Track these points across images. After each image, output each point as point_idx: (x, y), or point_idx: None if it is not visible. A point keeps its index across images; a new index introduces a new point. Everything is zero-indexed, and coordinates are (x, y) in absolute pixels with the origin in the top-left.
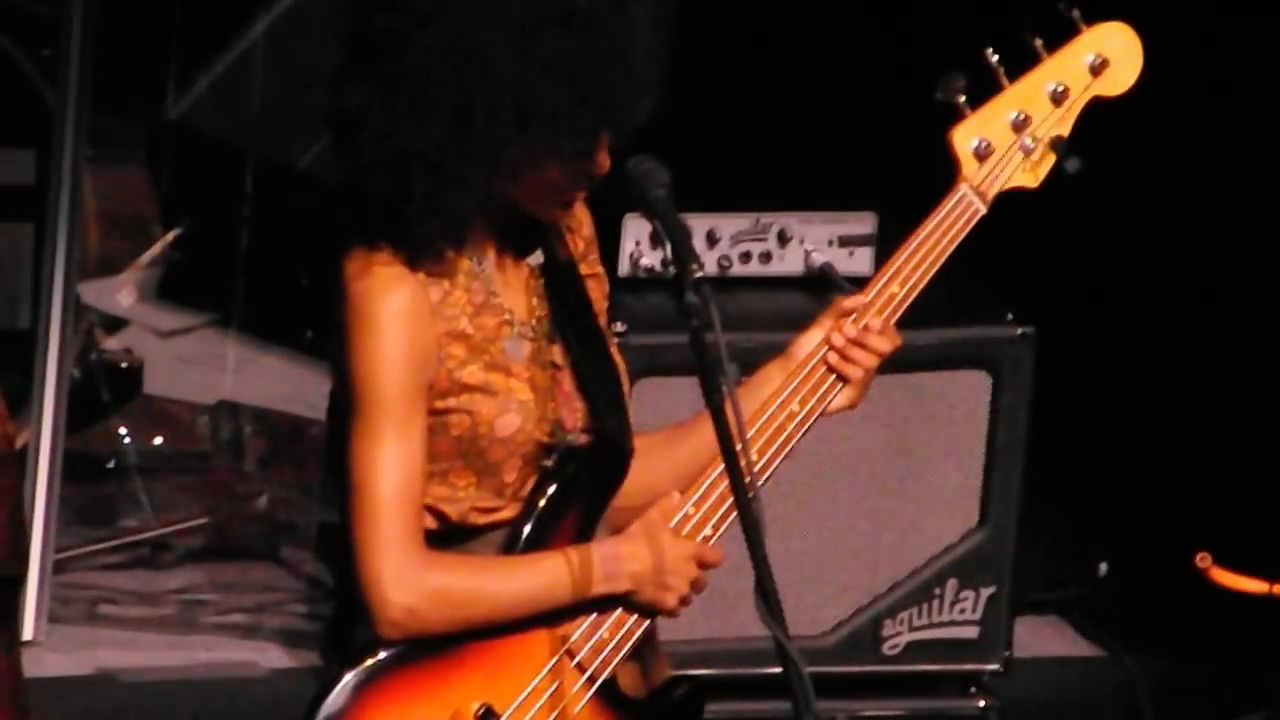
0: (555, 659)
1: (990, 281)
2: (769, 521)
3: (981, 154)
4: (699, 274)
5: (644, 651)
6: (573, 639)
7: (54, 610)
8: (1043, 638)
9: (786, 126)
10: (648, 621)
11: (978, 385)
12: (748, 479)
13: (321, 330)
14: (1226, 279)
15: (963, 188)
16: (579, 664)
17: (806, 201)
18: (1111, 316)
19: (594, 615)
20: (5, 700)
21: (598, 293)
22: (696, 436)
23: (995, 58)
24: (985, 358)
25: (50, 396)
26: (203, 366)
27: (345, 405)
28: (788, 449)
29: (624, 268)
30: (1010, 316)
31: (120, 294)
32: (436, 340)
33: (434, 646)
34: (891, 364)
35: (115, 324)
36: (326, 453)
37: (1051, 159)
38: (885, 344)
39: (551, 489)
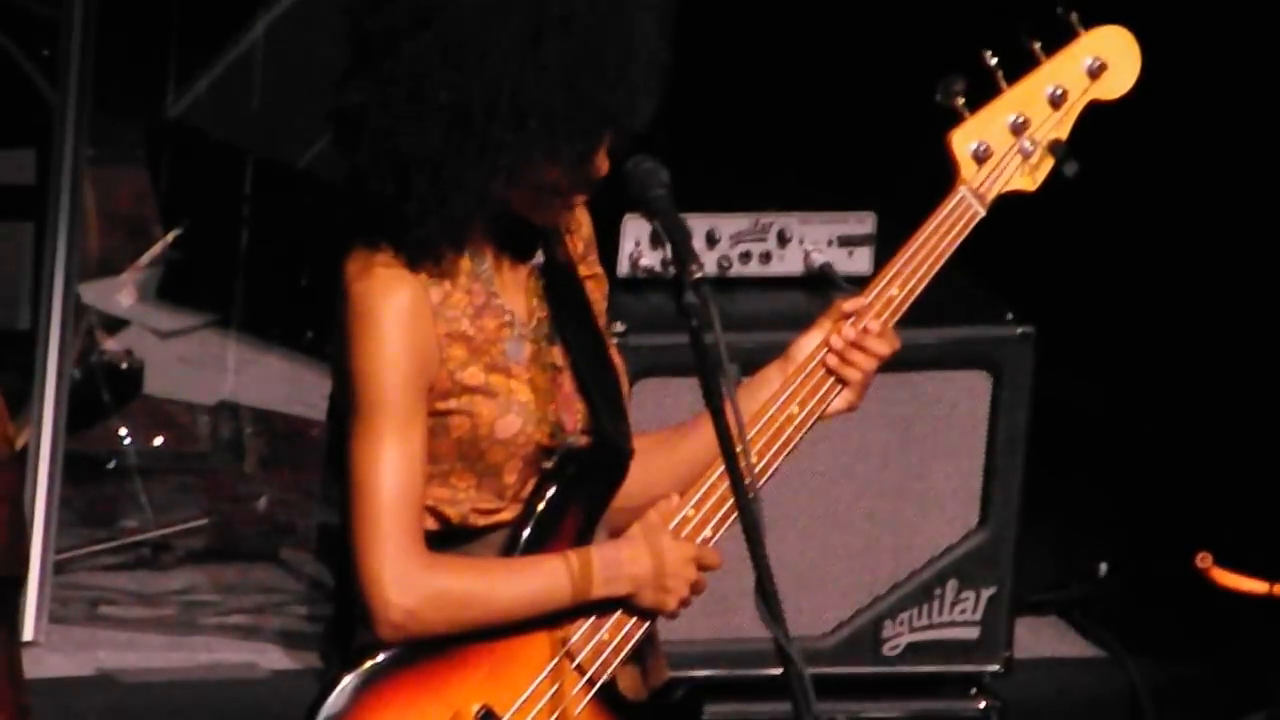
0: (555, 661)
1: (990, 281)
2: (769, 522)
3: (980, 157)
4: (699, 274)
5: (643, 653)
6: (572, 641)
7: (54, 611)
8: (1043, 638)
9: (786, 127)
10: (647, 623)
11: (978, 385)
12: (747, 480)
13: (322, 331)
14: (1227, 279)
15: (961, 190)
16: (579, 666)
17: (806, 202)
18: (1111, 316)
19: (594, 617)
20: (5, 701)
21: (597, 294)
22: (696, 437)
23: (994, 60)
24: (985, 358)
25: (50, 397)
26: (203, 367)
27: (345, 406)
28: (787, 451)
29: (623, 268)
30: (1010, 316)
31: (120, 294)
32: (437, 341)
33: (434, 648)
34: (891, 364)
35: (115, 324)
36: (327, 454)
37: (1050, 162)
38: (884, 346)
39: (551, 491)
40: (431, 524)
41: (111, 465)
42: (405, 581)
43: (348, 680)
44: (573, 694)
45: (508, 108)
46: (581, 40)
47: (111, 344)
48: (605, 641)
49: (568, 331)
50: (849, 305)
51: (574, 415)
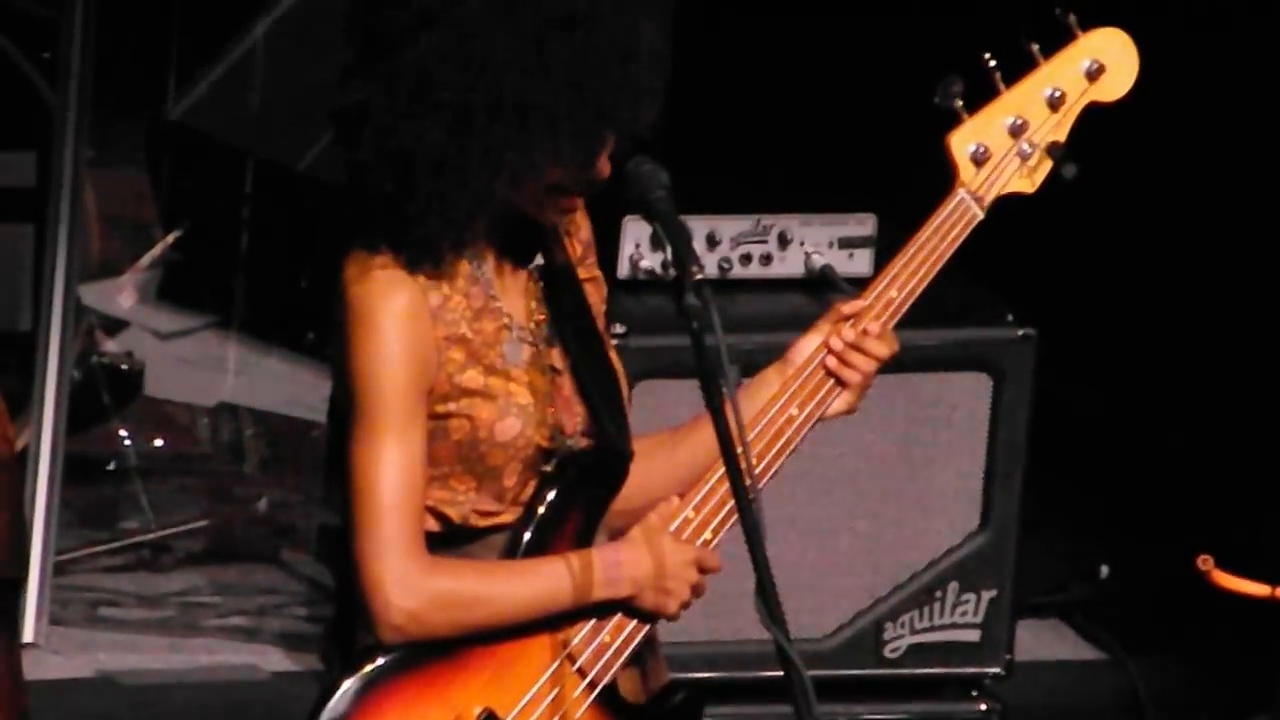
0: (556, 663)
1: (991, 283)
2: (769, 524)
3: (979, 159)
4: (699, 276)
5: (643, 656)
6: (573, 643)
7: (54, 612)
8: (1044, 641)
9: (786, 129)
10: (648, 626)
11: (978, 387)
12: (748, 481)
13: (322, 332)
14: (1227, 280)
15: (960, 193)
16: (580, 669)
17: (806, 204)
18: (1112, 318)
19: (595, 620)
20: (5, 703)
21: (596, 296)
22: (695, 439)
23: (992, 63)
24: (986, 359)
25: (51, 398)
26: (203, 368)
27: (345, 408)
28: (787, 453)
29: (624, 270)
30: (1011, 318)
31: (121, 296)
32: (436, 344)
33: (436, 651)
34: (892, 366)
35: (116, 326)
36: (327, 455)
37: (1049, 165)
38: (883, 348)
39: (552, 493)
40: (433, 525)
41: (112, 467)
42: (406, 584)
43: (349, 683)
44: (574, 696)
45: (511, 108)
46: (584, 42)
47: (112, 345)
48: (606, 644)
49: (567, 334)
50: (848, 307)
51: (573, 418)
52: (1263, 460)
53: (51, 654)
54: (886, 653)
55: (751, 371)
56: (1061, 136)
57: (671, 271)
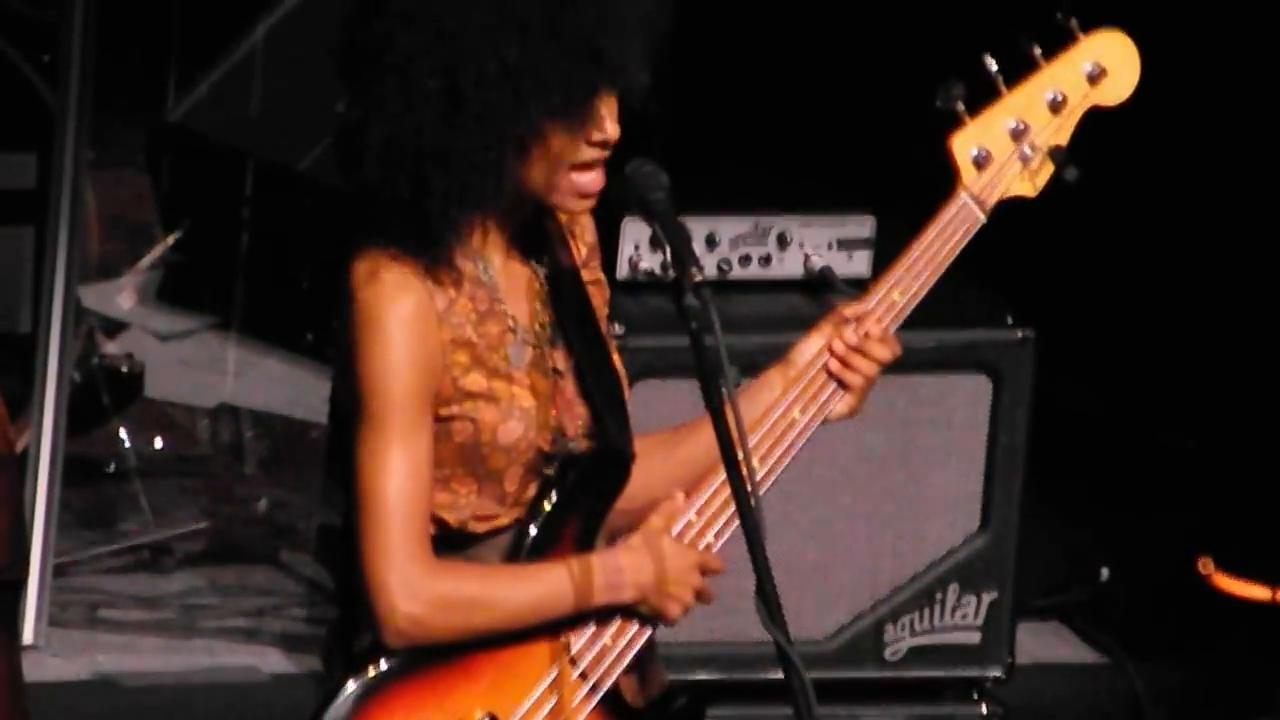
0: (558, 668)
1: (990, 285)
2: (770, 525)
3: (980, 162)
4: (698, 277)
5: (642, 660)
6: (575, 648)
7: (54, 614)
8: (1045, 643)
9: (785, 130)
10: (650, 630)
11: (978, 389)
12: (748, 483)
13: (322, 333)
14: (1227, 282)
15: (962, 196)
16: (582, 673)
17: (805, 205)
18: (1112, 320)
19: (597, 624)
20: (5, 705)
21: (599, 299)
22: (696, 440)
23: (994, 65)
24: (985, 361)
25: (51, 400)
26: (203, 370)
27: (351, 411)
28: (789, 457)
29: (623, 271)
30: (1010, 320)
31: (121, 297)
32: (442, 348)
33: (438, 655)
34: (892, 367)
35: (116, 327)
36: (327, 456)
37: (1050, 168)
38: (885, 352)
39: (554, 495)
40: (431, 528)
41: (111, 468)
42: (411, 587)
43: (351, 687)
44: (576, 701)
45: (496, 74)
46: None
47: (112, 347)
48: (608, 648)
49: (570, 336)
50: (850, 310)
51: (575, 420)
52: (1263, 462)
53: (51, 656)
54: (887, 655)
55: (751, 372)
56: (1063, 140)
57: (671, 272)
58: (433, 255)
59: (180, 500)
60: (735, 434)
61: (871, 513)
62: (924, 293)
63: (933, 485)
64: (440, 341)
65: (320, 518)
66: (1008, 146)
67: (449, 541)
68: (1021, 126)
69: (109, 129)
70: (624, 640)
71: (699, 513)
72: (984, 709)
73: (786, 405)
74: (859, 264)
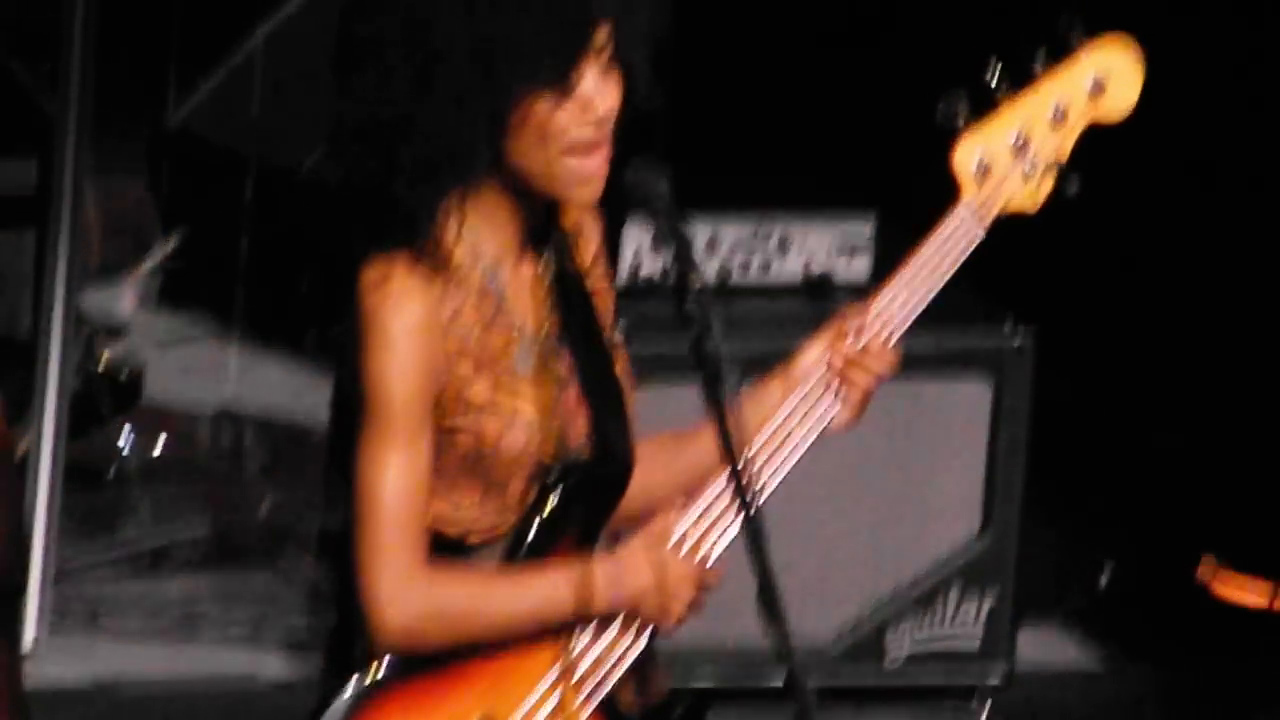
0: (555, 674)
1: (990, 287)
2: (770, 529)
3: (981, 175)
4: (699, 282)
5: (643, 666)
6: (572, 654)
7: (54, 620)
8: (1045, 647)
9: (786, 132)
10: (645, 640)
11: (978, 391)
12: (748, 485)
13: (323, 337)
14: (1227, 284)
15: (962, 210)
16: (579, 680)
17: (805, 207)
18: (1112, 323)
19: (594, 631)
20: (5, 711)
21: (605, 305)
22: (698, 445)
23: (995, 77)
24: (985, 364)
25: (51, 405)
26: (203, 374)
27: (354, 413)
28: (787, 467)
29: (623, 274)
30: (1010, 323)
31: (121, 302)
32: (446, 357)
33: (435, 660)
34: None
35: (116, 332)
36: (327, 461)
37: (1050, 182)
38: (884, 363)
39: (554, 498)
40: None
41: (112, 473)
42: (405, 595)
43: (347, 691)
44: (573, 707)
45: (465, 45)
46: None
47: (112, 351)
48: (605, 654)
49: (575, 343)
50: (849, 323)
51: (578, 427)
52: (1263, 465)
53: (51, 662)
54: (888, 659)
55: (751, 376)
56: (1064, 154)
57: (672, 277)
58: (413, 243)
59: (181, 505)
60: (736, 437)
61: (872, 516)
62: (923, 305)
63: (933, 488)
64: (444, 351)
65: (321, 522)
66: (1009, 160)
67: (447, 550)
68: (1023, 140)
69: (109, 134)
70: (621, 647)
71: (696, 522)
72: (984, 713)
73: (785, 415)
74: (859, 268)
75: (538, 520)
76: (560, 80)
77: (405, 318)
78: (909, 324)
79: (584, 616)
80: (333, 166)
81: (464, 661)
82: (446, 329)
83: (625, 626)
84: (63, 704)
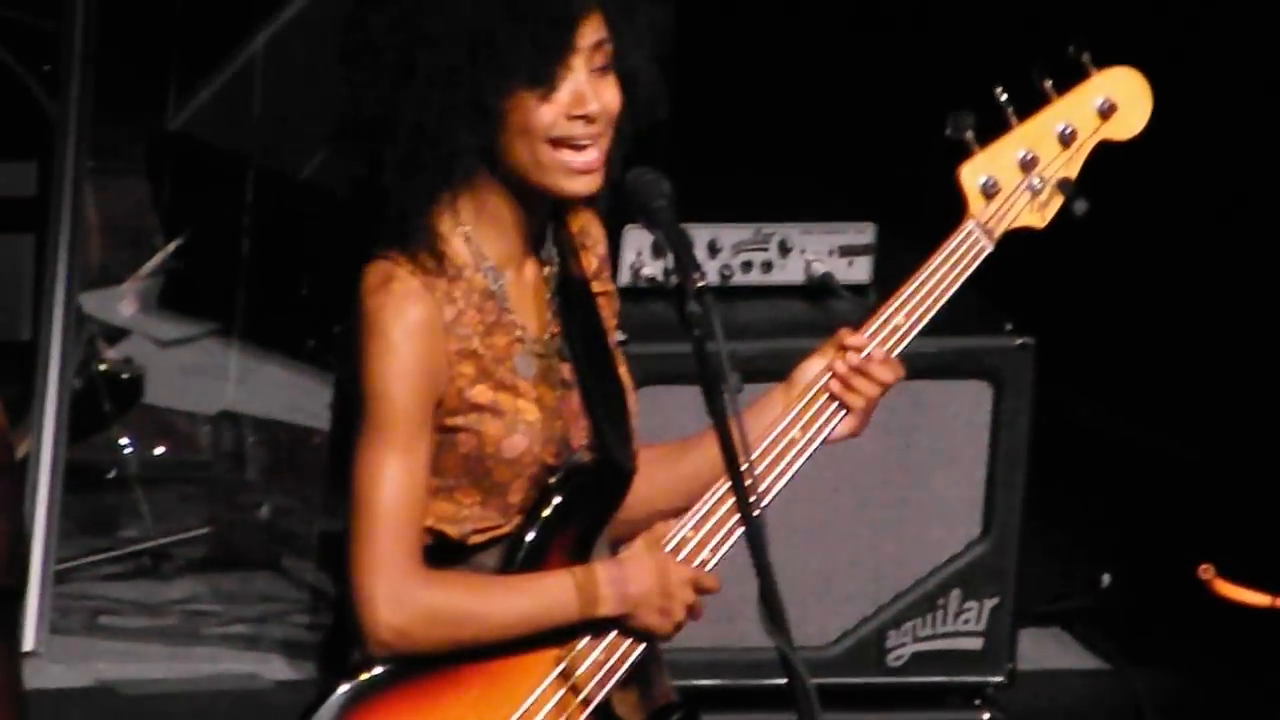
0: (550, 680)
1: (989, 291)
2: (771, 531)
3: (989, 192)
4: (701, 283)
5: (646, 674)
6: (568, 660)
7: (55, 621)
8: (1046, 650)
9: (787, 138)
10: (643, 645)
11: (978, 395)
12: (749, 488)
13: (323, 340)
14: (1227, 288)
15: (970, 224)
16: (574, 686)
17: (807, 212)
18: (1112, 326)
19: (590, 636)
20: (6, 712)
21: (608, 310)
22: (700, 453)
23: (1004, 97)
24: (985, 368)
25: (51, 407)
26: (204, 376)
27: (354, 415)
28: (789, 475)
29: (625, 278)
30: (1009, 327)
31: (122, 304)
32: (448, 358)
33: (429, 665)
34: None
35: (117, 334)
36: (328, 462)
37: (1059, 200)
38: (887, 374)
39: (556, 500)
40: (428, 540)
41: (112, 474)
42: (397, 598)
43: (341, 692)
44: (566, 714)
45: (449, 41)
46: None
47: (111, 353)
48: (601, 661)
49: (578, 348)
50: (853, 336)
51: (580, 431)
52: (1264, 468)
53: (52, 663)
54: (889, 661)
55: (752, 378)
56: (1073, 173)
57: (673, 279)
58: (406, 242)
59: (181, 506)
60: (738, 440)
61: (873, 519)
62: (928, 318)
63: (934, 491)
64: (446, 352)
65: (322, 524)
66: (1016, 177)
67: (447, 552)
68: (1031, 157)
69: (110, 137)
70: (617, 654)
71: (695, 528)
72: (986, 716)
73: (787, 424)
74: (859, 270)
75: (538, 523)
76: (542, 77)
77: (406, 320)
78: (913, 336)
79: (584, 620)
80: (333, 165)
81: (457, 667)
82: (448, 330)
83: (621, 633)
84: (63, 705)
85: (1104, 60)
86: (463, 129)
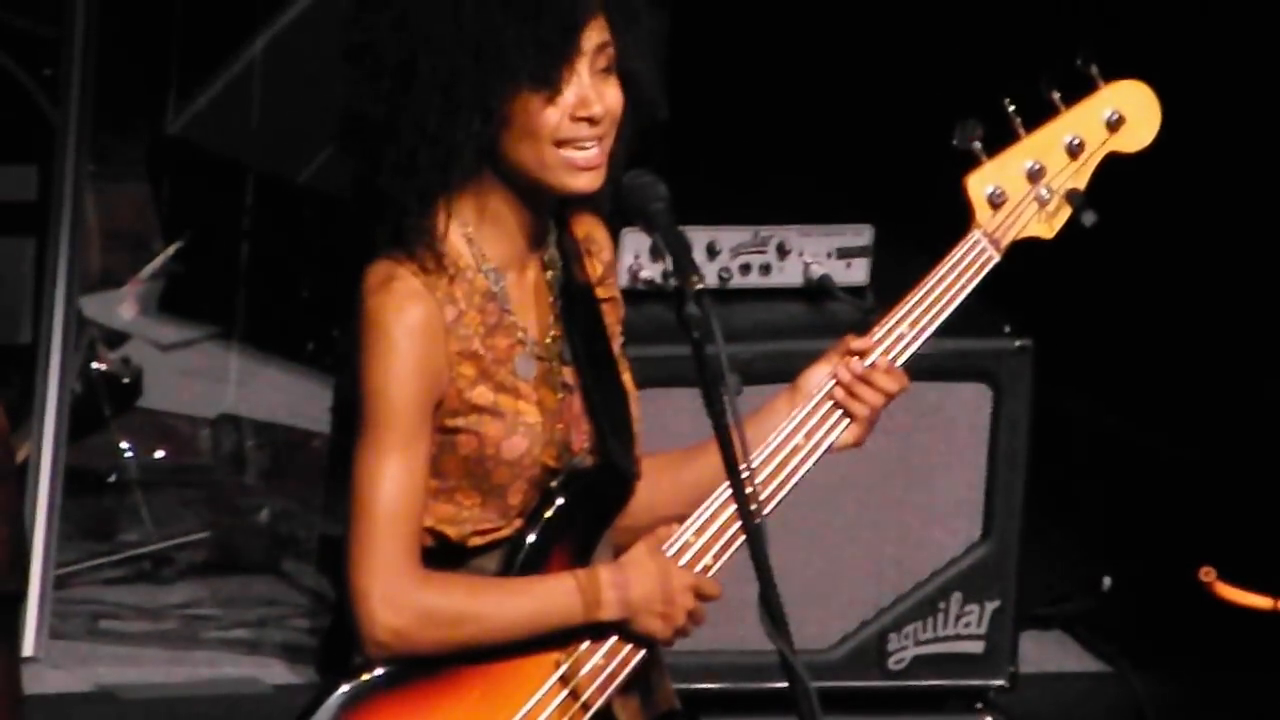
0: (549, 684)
1: (988, 293)
2: (772, 534)
3: (996, 202)
4: (699, 286)
5: (648, 682)
6: (567, 665)
7: (55, 626)
8: (1047, 653)
9: (784, 140)
10: (643, 650)
11: (978, 397)
12: (750, 491)
13: (323, 343)
14: (1227, 290)
15: (976, 234)
16: (573, 690)
17: (805, 214)
18: (1111, 328)
19: (589, 641)
20: (6, 718)
21: (613, 317)
22: (704, 461)
23: (1012, 108)
24: (984, 370)
25: (51, 411)
26: (204, 380)
27: (353, 418)
28: (792, 482)
29: (623, 280)
30: (1008, 329)
31: (122, 308)
32: (448, 359)
33: (427, 668)
34: None
35: (117, 338)
36: (328, 466)
37: (1067, 211)
38: (891, 383)
39: (558, 502)
40: (429, 542)
41: (112, 478)
42: (395, 599)
43: (338, 694)
44: (568, 718)
45: (451, 42)
46: None
47: (110, 355)
48: (600, 666)
49: (580, 352)
50: (857, 342)
51: (581, 435)
52: (1264, 470)
53: (52, 668)
54: (891, 664)
55: (751, 380)
56: (1081, 184)
57: (671, 281)
58: (407, 242)
59: (181, 510)
60: (737, 441)
61: (873, 522)
62: (933, 328)
63: (934, 494)
64: (446, 353)
65: (322, 527)
66: (1024, 187)
67: (448, 554)
68: (1038, 168)
69: (110, 141)
70: (617, 659)
71: (697, 534)
72: (987, 719)
73: (790, 431)
74: (857, 272)
75: (540, 524)
76: (545, 79)
77: (407, 319)
78: (918, 346)
79: (577, 626)
80: (332, 168)
81: (455, 670)
82: (449, 331)
83: (621, 639)
84: (63, 710)
85: (1109, 72)
86: (465, 130)
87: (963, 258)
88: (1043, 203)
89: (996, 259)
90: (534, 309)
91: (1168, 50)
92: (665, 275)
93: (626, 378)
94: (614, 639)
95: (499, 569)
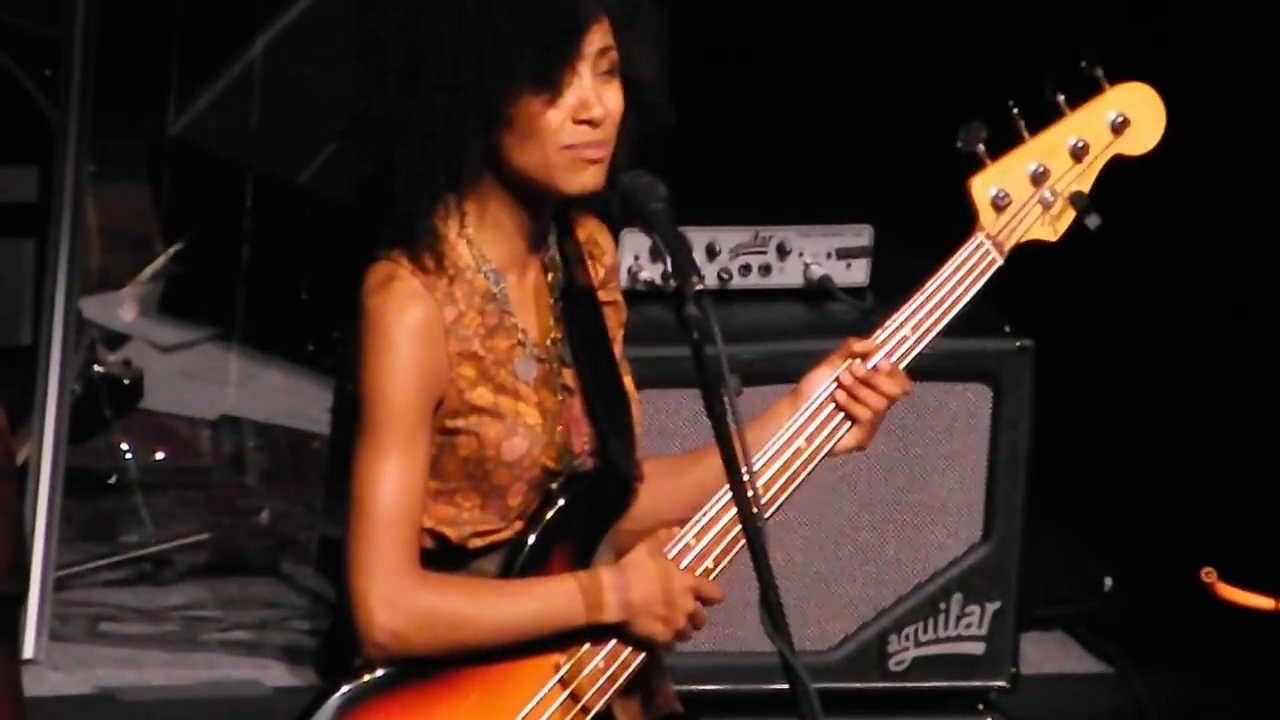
0: (548, 687)
1: (988, 294)
2: (772, 535)
3: (999, 204)
4: (699, 286)
5: (649, 685)
6: (567, 668)
7: (55, 628)
8: (1049, 654)
9: (784, 140)
10: (643, 654)
11: (978, 398)
12: (750, 493)
13: (323, 344)
14: (1227, 290)
15: (980, 237)
16: (574, 692)
17: (804, 214)
18: (1111, 329)
19: (589, 644)
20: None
21: (614, 320)
22: (706, 464)
23: (1016, 110)
24: (985, 370)
25: (51, 412)
26: (204, 381)
27: (353, 419)
28: (794, 485)
29: (623, 281)
30: (1008, 329)
31: (122, 309)
32: (448, 360)
33: (426, 670)
34: None
35: (117, 340)
36: (329, 467)
37: (1071, 214)
38: (894, 386)
39: (559, 503)
40: (428, 544)
41: (113, 480)
42: (393, 601)
43: (337, 695)
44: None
45: (456, 44)
46: None
47: (110, 356)
48: (600, 669)
49: (581, 355)
50: (860, 345)
51: (582, 437)
52: (1265, 471)
53: (52, 670)
54: (891, 665)
55: (751, 381)
56: (1085, 187)
57: (671, 282)
58: (411, 243)
59: (182, 512)
60: (737, 441)
61: (874, 522)
62: (936, 330)
63: (934, 495)
64: (446, 353)
65: (322, 529)
66: (1027, 190)
67: (447, 556)
68: (1042, 171)
69: (110, 143)
70: (617, 662)
71: (698, 537)
72: None
73: (791, 434)
74: (857, 273)
75: (540, 526)
76: (547, 82)
77: (407, 319)
78: (922, 349)
79: (576, 629)
80: (332, 169)
81: (454, 672)
82: (449, 331)
83: (620, 641)
84: (63, 712)
85: (1114, 75)
86: (468, 132)
87: (966, 260)
88: (1047, 206)
89: (1000, 262)
90: (534, 311)
91: (1172, 53)
92: (665, 276)
93: (628, 381)
94: (614, 641)
95: (499, 571)
